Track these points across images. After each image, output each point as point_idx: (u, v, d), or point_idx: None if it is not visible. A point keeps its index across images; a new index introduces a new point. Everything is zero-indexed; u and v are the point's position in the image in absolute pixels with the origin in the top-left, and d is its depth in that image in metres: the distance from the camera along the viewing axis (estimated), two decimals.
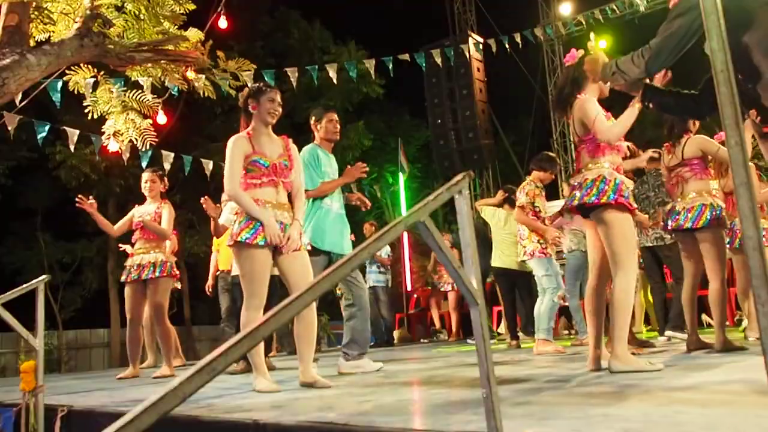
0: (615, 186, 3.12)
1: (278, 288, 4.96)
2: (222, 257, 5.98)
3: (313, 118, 4.46)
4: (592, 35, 2.57)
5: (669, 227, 4.19)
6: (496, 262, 6.36)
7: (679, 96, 2.74)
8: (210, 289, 6.31)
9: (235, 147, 3.37)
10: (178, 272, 5.54)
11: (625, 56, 2.36)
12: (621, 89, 2.79)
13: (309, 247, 3.78)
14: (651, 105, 2.67)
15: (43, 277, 3.47)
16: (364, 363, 4.15)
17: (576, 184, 3.26)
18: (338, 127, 4.45)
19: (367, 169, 4.36)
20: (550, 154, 5.84)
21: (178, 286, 6.82)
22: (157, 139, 4.67)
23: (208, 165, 9.23)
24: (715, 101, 2.59)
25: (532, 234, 5.42)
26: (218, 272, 6.06)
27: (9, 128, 6.63)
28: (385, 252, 9.05)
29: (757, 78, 2.03)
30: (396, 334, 10.18)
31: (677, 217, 4.09)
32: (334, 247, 4.18)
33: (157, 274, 5.24)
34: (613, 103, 3.29)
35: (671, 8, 2.28)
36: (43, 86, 5.48)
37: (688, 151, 4.11)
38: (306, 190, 3.87)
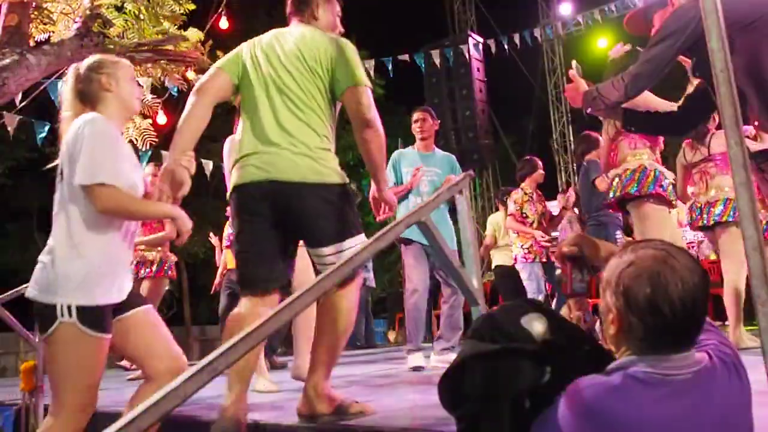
0: (655, 177, 3.12)
1: None
2: (230, 255, 5.89)
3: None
4: (573, 63, 2.57)
5: (696, 224, 4.00)
6: (497, 261, 6.40)
7: (657, 116, 2.77)
8: (217, 288, 6.14)
9: (231, 149, 3.38)
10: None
11: (604, 82, 2.37)
12: (600, 115, 2.80)
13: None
14: (633, 129, 2.69)
15: None
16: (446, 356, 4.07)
17: (615, 176, 3.23)
18: (422, 125, 4.53)
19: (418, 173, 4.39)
20: (525, 158, 6.00)
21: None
22: (157, 139, 4.67)
23: (208, 165, 9.20)
24: (694, 118, 2.62)
25: (518, 239, 5.55)
26: (225, 271, 5.95)
27: (9, 128, 6.62)
28: None
29: (743, 103, 2.07)
30: (391, 335, 10.16)
31: (708, 211, 3.98)
32: (420, 237, 4.13)
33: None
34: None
35: (652, 36, 2.33)
36: (43, 86, 5.48)
37: (714, 146, 4.08)
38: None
